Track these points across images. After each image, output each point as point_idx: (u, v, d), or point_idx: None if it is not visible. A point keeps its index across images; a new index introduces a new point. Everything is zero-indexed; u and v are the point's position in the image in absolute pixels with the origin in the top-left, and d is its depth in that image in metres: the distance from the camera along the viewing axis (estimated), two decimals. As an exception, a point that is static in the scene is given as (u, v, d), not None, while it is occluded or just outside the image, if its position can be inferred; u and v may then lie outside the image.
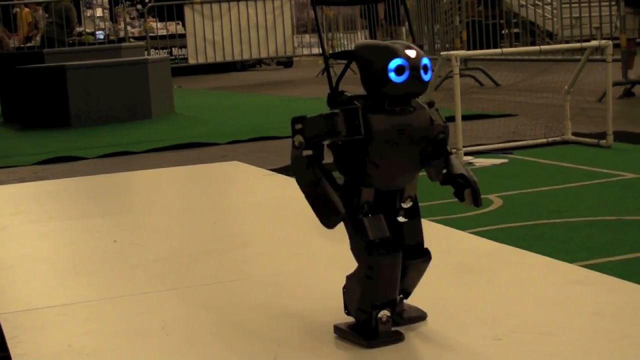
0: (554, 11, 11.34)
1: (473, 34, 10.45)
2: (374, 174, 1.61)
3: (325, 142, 1.60)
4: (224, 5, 13.95)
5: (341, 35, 16.07)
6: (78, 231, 2.60)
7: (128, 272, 2.12)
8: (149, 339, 1.65)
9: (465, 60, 9.95)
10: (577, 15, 9.47)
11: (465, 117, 6.29)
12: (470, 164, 4.46)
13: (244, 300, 1.90)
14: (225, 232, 2.63)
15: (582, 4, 9.37)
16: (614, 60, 7.74)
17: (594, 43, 4.73)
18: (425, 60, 1.57)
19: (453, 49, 9.23)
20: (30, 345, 1.64)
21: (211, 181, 3.48)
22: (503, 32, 11.26)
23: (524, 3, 11.38)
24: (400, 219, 1.70)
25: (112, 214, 2.80)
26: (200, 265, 2.17)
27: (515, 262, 2.50)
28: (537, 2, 11.86)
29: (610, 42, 4.64)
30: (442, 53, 4.60)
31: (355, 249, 1.64)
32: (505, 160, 4.53)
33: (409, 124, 1.61)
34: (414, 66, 1.56)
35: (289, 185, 3.02)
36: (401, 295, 1.74)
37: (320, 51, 6.15)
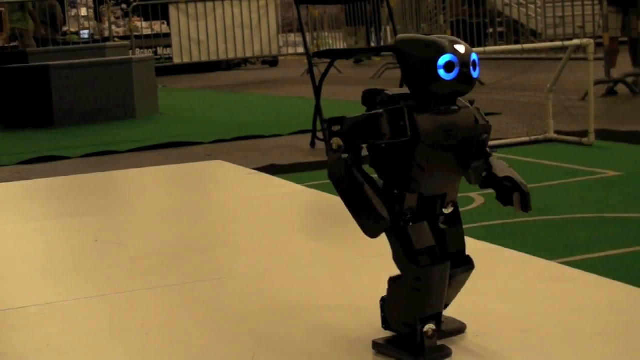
0: (538, 10, 11.38)
1: (457, 33, 10.48)
2: (419, 178, 1.51)
3: (366, 145, 1.50)
4: (209, 4, 13.94)
5: (326, 34, 16.07)
6: (58, 230, 2.60)
7: (108, 271, 2.11)
8: (128, 337, 1.65)
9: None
10: (561, 14, 9.50)
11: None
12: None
13: (225, 298, 1.90)
14: (206, 230, 2.63)
15: (565, 4, 9.40)
16: (597, 59, 7.80)
17: (575, 42, 4.75)
18: (474, 56, 1.47)
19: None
20: (9, 344, 1.64)
21: (194, 180, 3.48)
22: (488, 31, 11.30)
23: (509, 2, 11.42)
24: (442, 225, 1.59)
25: (94, 213, 2.80)
26: (181, 264, 2.18)
27: (494, 259, 2.51)
28: (521, 1, 11.89)
29: (591, 41, 4.66)
30: (424, 52, 4.59)
31: (398, 259, 1.54)
32: (491, 159, 4.54)
33: (456, 124, 1.51)
34: (463, 62, 1.46)
35: (272, 184, 3.03)
36: None
37: (307, 50, 6.09)
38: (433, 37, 1.49)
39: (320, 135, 5.24)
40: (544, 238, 2.88)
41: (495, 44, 10.73)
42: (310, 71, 5.29)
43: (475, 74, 1.48)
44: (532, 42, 10.24)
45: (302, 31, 5.56)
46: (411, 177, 1.51)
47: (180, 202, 3.05)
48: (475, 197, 3.58)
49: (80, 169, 5.31)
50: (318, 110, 5.16)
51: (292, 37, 17.30)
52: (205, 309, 1.85)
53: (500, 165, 1.56)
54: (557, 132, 5.03)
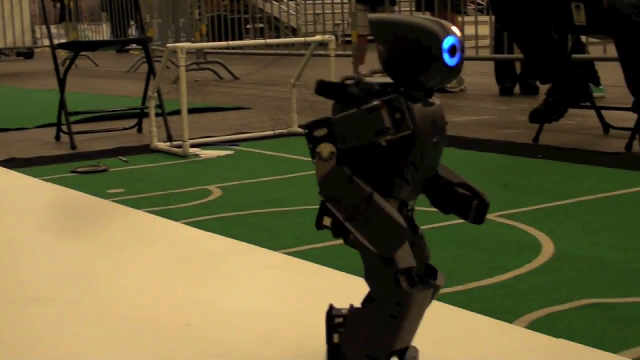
0: (297, 7, 11.60)
1: (218, 28, 10.50)
2: (404, 181, 1.33)
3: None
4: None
5: (85, 26, 15.71)
6: None
7: None
8: None
9: (204, 54, 10.00)
10: (320, 11, 9.73)
11: (199, 110, 6.34)
12: (197, 155, 4.49)
13: None
14: None
15: (318, 2, 9.63)
16: (347, 56, 8.03)
17: (317, 37, 4.88)
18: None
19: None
20: None
21: None
22: (248, 26, 11.39)
23: (268, -1, 11.57)
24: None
25: None
26: None
27: (217, 250, 2.56)
28: (279, -3, 12.10)
29: (333, 37, 4.80)
30: (167, 45, 4.60)
31: (375, 280, 1.34)
32: (231, 152, 4.59)
33: (438, 117, 1.36)
34: (463, 47, 1.33)
35: (6, 177, 2.96)
36: None
37: (52, 42, 5.84)
38: (425, 17, 1.35)
39: (65, 128, 5.11)
40: (274, 229, 2.93)
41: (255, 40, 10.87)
42: (54, 63, 5.16)
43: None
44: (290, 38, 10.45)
45: (46, 22, 5.40)
46: (396, 181, 1.33)
47: None
48: (213, 190, 3.61)
49: None
50: (62, 103, 5.05)
51: (54, 29, 16.83)
52: None
53: (450, 169, 1.43)
54: (300, 126, 5.14)
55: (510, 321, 1.95)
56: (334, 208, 1.31)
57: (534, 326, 1.93)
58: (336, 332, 1.44)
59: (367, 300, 1.37)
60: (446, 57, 1.30)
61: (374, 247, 1.30)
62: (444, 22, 1.33)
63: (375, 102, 1.27)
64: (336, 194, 1.29)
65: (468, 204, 1.39)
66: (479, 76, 8.04)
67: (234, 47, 6.08)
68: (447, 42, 1.30)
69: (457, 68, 1.32)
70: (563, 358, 1.68)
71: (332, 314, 1.45)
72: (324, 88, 1.33)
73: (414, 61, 1.30)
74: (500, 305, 2.10)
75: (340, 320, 1.44)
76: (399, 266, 1.33)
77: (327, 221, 1.35)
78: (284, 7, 12.44)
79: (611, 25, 4.25)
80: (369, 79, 1.34)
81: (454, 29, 1.33)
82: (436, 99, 1.38)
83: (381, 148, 1.30)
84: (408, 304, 1.32)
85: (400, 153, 1.32)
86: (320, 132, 1.28)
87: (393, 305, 1.32)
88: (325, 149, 1.28)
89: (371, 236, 1.29)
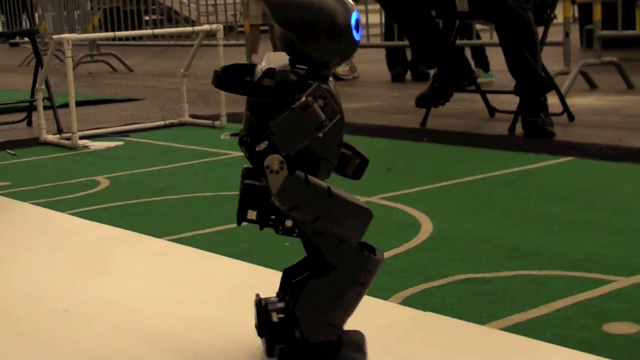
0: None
1: (112, 20, 10.39)
2: (331, 163, 1.35)
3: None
4: None
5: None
6: None
7: None
8: None
9: (98, 46, 9.90)
10: (220, 2, 9.69)
11: (91, 102, 6.29)
12: (86, 147, 4.47)
13: None
14: None
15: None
16: (240, 45, 8.05)
17: (205, 27, 4.89)
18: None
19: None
20: None
21: None
22: (147, 18, 11.30)
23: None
24: None
25: None
26: None
27: (100, 238, 2.57)
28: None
29: (220, 27, 4.81)
30: (53, 37, 4.56)
31: (340, 257, 1.36)
32: (121, 143, 4.58)
33: (337, 91, 1.36)
34: (361, 22, 1.33)
35: None
36: None
37: None
38: None
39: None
40: (159, 217, 2.95)
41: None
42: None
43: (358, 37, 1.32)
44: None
45: None
46: (321, 162, 1.33)
47: None
48: (101, 180, 3.61)
49: None
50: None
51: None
52: None
53: None
54: (192, 116, 5.15)
55: (385, 298, 2.00)
56: (299, 215, 1.30)
57: (407, 302, 2.00)
58: (274, 312, 1.45)
59: (322, 272, 1.38)
60: (354, 32, 1.30)
61: (347, 237, 1.33)
62: None
63: (305, 99, 1.25)
64: (298, 200, 1.28)
65: (347, 162, 1.43)
66: (372, 64, 8.14)
67: (122, 39, 6.07)
68: (353, 18, 1.30)
69: (359, 42, 1.33)
70: (431, 330, 1.74)
71: (261, 303, 1.48)
72: (224, 83, 1.32)
73: (321, 41, 1.29)
74: (376, 283, 2.16)
75: (274, 305, 1.46)
76: (359, 239, 1.37)
77: (252, 215, 1.35)
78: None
79: (490, 11, 4.36)
80: (280, 67, 1.30)
81: (352, 3, 1.33)
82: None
83: (315, 140, 1.28)
84: (374, 270, 1.39)
85: (331, 138, 1.31)
86: (262, 145, 1.26)
87: (360, 272, 1.37)
88: (274, 161, 1.26)
89: (340, 226, 1.31)
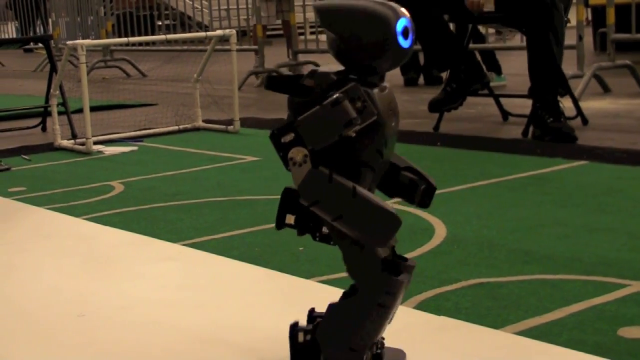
0: (204, 2, 11.56)
1: (125, 26, 10.42)
2: (369, 170, 1.32)
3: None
4: None
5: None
6: None
7: None
8: None
9: (111, 51, 9.93)
10: (227, 7, 9.71)
11: (105, 107, 6.31)
12: (100, 152, 4.48)
13: None
14: None
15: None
16: (254, 50, 8.06)
17: (218, 32, 4.90)
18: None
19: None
20: None
21: None
22: (159, 23, 11.33)
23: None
24: None
25: None
26: None
27: (113, 243, 2.58)
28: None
29: (233, 32, 4.82)
30: (67, 42, 4.57)
31: (362, 271, 1.32)
32: (135, 148, 4.59)
33: (393, 100, 1.35)
34: (413, 28, 1.31)
35: None
36: None
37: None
38: (365, 2, 1.29)
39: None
40: (173, 222, 2.96)
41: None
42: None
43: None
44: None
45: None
46: (362, 170, 1.30)
47: None
48: (116, 185, 3.62)
49: None
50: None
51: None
52: None
53: (393, 152, 1.40)
54: (205, 120, 5.16)
55: (399, 303, 2.00)
56: (320, 211, 1.27)
57: (421, 306, 2.00)
58: (301, 332, 1.42)
59: (349, 293, 1.35)
60: (401, 39, 1.29)
61: (367, 240, 1.28)
62: (392, 4, 1.31)
63: (336, 95, 1.24)
64: (319, 196, 1.26)
65: (414, 188, 1.41)
66: (385, 68, 8.13)
67: (135, 44, 6.09)
68: (400, 25, 1.29)
69: (410, 49, 1.32)
70: (445, 334, 1.74)
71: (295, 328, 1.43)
72: (274, 83, 1.31)
73: (368, 47, 1.28)
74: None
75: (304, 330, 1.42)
76: (381, 256, 1.31)
77: (290, 219, 1.32)
78: (193, 4, 12.41)
79: (528, 5, 4.28)
80: (323, 69, 1.29)
81: (403, 10, 1.31)
82: (386, 83, 1.37)
83: (348, 140, 1.27)
84: (397, 292, 1.32)
85: (366, 141, 1.29)
86: (288, 137, 1.25)
87: (382, 294, 1.31)
88: (298, 153, 1.25)
89: (363, 230, 1.27)
